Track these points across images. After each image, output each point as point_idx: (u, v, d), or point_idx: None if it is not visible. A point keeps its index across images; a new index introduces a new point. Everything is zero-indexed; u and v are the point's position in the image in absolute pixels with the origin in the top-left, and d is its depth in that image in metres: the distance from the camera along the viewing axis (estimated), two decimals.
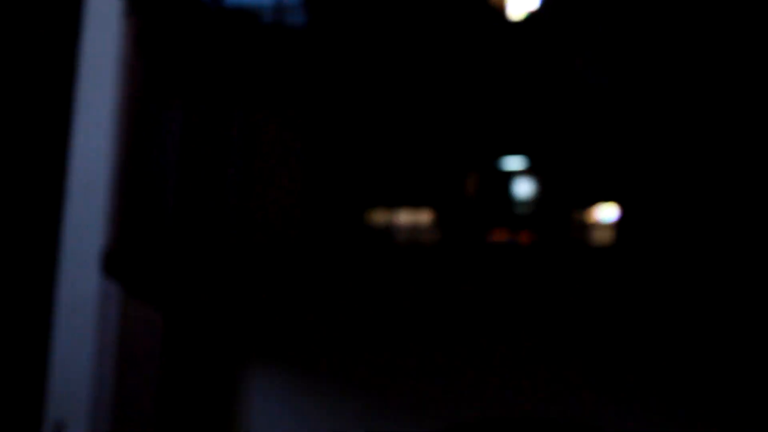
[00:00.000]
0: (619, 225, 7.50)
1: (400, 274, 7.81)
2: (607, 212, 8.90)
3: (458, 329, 8.94)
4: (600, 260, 7.60)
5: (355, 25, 7.87)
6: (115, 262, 8.11)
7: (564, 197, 8.36)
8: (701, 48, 7.53)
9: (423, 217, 8.77)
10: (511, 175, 8.70)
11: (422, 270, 7.76)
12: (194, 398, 8.74)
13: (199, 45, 7.79)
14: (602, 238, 8.34)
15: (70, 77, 6.29)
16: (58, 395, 9.65)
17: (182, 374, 8.68)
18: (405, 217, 8.54)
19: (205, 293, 8.30)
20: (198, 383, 8.85)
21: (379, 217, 8.04)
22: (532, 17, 8.35)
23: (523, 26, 8.26)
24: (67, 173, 6.53)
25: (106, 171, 9.53)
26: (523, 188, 9.09)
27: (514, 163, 9.19)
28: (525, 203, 9.18)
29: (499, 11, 9.01)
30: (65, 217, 7.83)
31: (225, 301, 8.40)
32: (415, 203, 8.37)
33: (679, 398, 8.44)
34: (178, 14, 7.79)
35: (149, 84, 7.96)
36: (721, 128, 7.47)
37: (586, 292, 7.88)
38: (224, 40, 7.72)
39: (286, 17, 7.96)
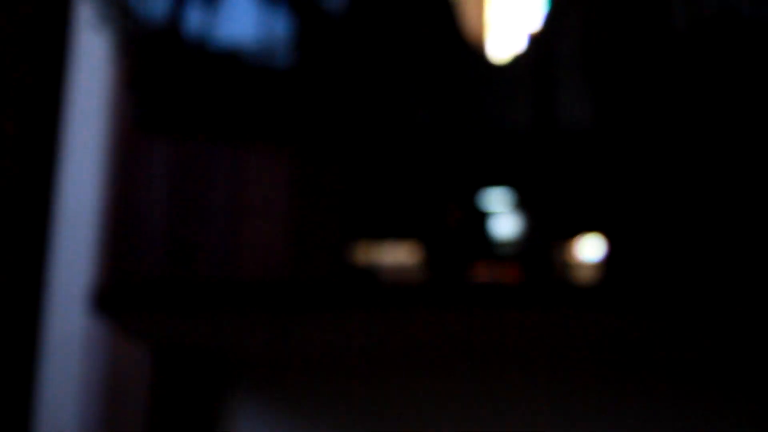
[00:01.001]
0: (607, 261, 7.57)
1: (383, 312, 7.88)
2: (593, 248, 8.98)
3: (442, 363, 9.00)
4: (587, 298, 7.67)
5: (341, 66, 7.98)
6: (102, 299, 8.16)
7: (550, 233, 8.43)
8: (682, 89, 7.64)
9: (406, 254, 8.85)
10: (495, 212, 8.76)
11: (406, 307, 7.83)
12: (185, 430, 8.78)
13: (186, 85, 7.90)
14: (589, 275, 8.41)
15: (57, 116, 6.38)
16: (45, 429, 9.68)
17: (171, 411, 8.72)
18: (388, 255, 8.62)
19: (193, 329, 8.36)
20: (186, 419, 8.89)
21: (363, 253, 8.12)
22: (518, 61, 8.45)
23: (507, 70, 8.36)
24: (54, 210, 6.60)
25: (93, 208, 9.60)
26: (508, 225, 9.16)
27: (499, 199, 9.27)
28: (510, 240, 9.26)
29: (479, 52, 9.11)
30: (52, 254, 7.89)
31: (213, 336, 8.47)
32: (398, 239, 8.44)
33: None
34: (166, 55, 7.91)
35: (137, 123, 8.06)
36: (704, 164, 7.57)
37: (574, 328, 7.94)
38: (211, 79, 7.83)
39: (273, 57, 8.07)
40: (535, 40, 8.24)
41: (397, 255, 8.38)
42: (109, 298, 7.72)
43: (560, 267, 8.37)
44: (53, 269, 6.38)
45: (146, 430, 8.24)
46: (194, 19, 8.16)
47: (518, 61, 8.44)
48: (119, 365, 8.56)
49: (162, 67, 7.83)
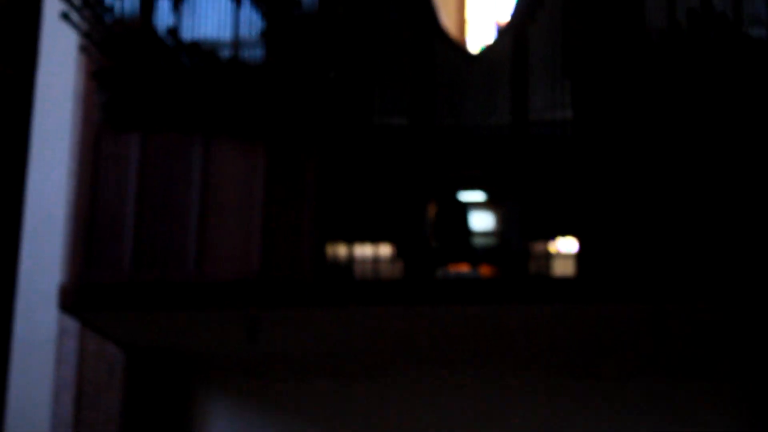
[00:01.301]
0: (579, 257, 7.52)
1: (360, 307, 7.80)
2: (566, 244, 8.93)
3: (418, 361, 8.96)
4: (560, 292, 7.64)
5: (313, 58, 7.88)
6: (72, 299, 8.05)
7: (524, 230, 8.38)
8: (653, 88, 7.61)
9: (383, 250, 8.76)
10: (471, 209, 8.71)
11: (382, 302, 7.76)
12: (154, 427, 8.67)
13: (157, 78, 7.77)
14: (562, 269, 8.37)
15: (25, 113, 6.25)
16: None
17: (143, 410, 8.61)
18: (365, 251, 8.53)
19: (166, 327, 8.26)
20: (158, 418, 8.78)
21: (339, 250, 8.03)
22: (488, 50, 8.40)
23: (480, 59, 8.30)
24: (23, 209, 6.45)
25: (63, 206, 9.46)
26: (483, 222, 9.10)
27: (474, 197, 9.21)
28: (485, 237, 9.19)
29: (460, 46, 9.05)
30: (22, 253, 7.74)
31: (183, 335, 8.36)
32: (375, 237, 8.35)
33: None
34: (136, 49, 7.77)
35: (106, 118, 7.92)
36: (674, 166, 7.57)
37: (548, 321, 7.90)
38: (182, 73, 7.70)
39: (243, 52, 7.95)
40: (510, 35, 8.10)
41: (372, 251, 8.24)
42: (79, 299, 7.57)
43: (536, 261, 8.26)
44: (23, 269, 6.24)
45: (119, 429, 8.12)
46: (165, 15, 8.00)
47: (494, 56, 8.29)
48: (91, 366, 8.40)
49: (132, 62, 7.66)
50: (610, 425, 8.62)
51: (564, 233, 8.34)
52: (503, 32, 8.78)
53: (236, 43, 8.09)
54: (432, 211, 8.79)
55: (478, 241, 9.02)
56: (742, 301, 7.43)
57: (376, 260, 8.82)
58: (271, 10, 7.64)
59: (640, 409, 8.59)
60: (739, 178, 7.62)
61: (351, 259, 8.32)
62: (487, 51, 8.74)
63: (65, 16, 7.61)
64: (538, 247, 8.82)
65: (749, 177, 7.61)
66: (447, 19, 10.35)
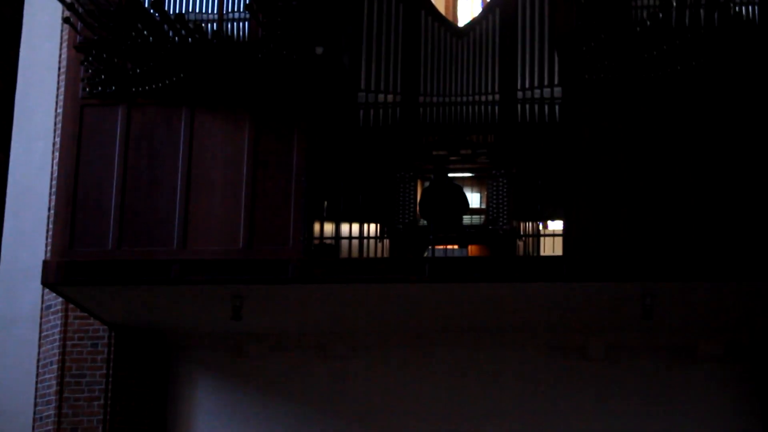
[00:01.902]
0: (565, 237, 7.48)
1: (346, 285, 7.75)
2: (554, 224, 8.90)
3: (405, 339, 8.90)
4: (548, 270, 7.60)
5: (299, 33, 7.80)
6: (56, 273, 7.96)
7: (512, 209, 8.34)
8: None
9: (370, 228, 8.71)
10: (459, 188, 8.66)
11: (368, 281, 7.70)
12: (139, 408, 8.61)
13: (141, 51, 7.67)
14: (550, 248, 8.34)
15: (9, 84, 6.15)
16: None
17: (127, 384, 8.54)
18: (352, 229, 8.47)
19: (150, 304, 8.20)
20: (142, 389, 8.71)
21: (326, 228, 7.97)
22: (473, 23, 8.33)
23: (467, 31, 8.23)
24: (5, 182, 6.36)
25: (46, 181, 9.35)
26: (471, 201, 9.06)
27: (462, 175, 9.16)
28: (473, 215, 9.15)
29: (451, 22, 8.98)
30: (4, 228, 7.63)
31: (169, 311, 8.30)
32: (362, 215, 8.29)
33: None
34: (120, 21, 7.67)
35: (90, 90, 7.83)
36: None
37: (536, 300, 7.88)
38: (168, 46, 7.61)
39: (229, 26, 7.87)
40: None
41: (359, 230, 8.15)
42: (63, 274, 7.48)
43: (524, 240, 8.19)
44: (4, 244, 6.14)
45: (104, 405, 8.05)
46: None
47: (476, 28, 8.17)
48: (74, 343, 8.31)
49: (116, 35, 7.53)
50: (598, 403, 8.60)
51: (552, 212, 8.32)
52: (490, 7, 8.74)
53: (221, 17, 8.01)
54: (419, 189, 8.74)
55: (466, 220, 8.98)
56: (729, 279, 7.43)
57: (362, 238, 8.78)
58: None
59: (629, 387, 8.57)
60: (727, 160, 7.61)
61: (337, 237, 8.27)
62: (474, 26, 8.69)
63: None
64: (525, 226, 8.79)
65: (737, 159, 7.61)
66: None
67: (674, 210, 7.60)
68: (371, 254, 8.58)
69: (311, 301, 8.14)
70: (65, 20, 7.98)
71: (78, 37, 8.06)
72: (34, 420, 8.80)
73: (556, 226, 8.96)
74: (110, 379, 8.81)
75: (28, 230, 9.29)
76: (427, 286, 7.80)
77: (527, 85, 8.58)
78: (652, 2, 7.77)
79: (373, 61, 8.68)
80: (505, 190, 8.51)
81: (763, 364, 8.44)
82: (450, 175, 8.58)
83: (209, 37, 7.77)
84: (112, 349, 8.82)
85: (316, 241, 7.98)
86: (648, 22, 7.42)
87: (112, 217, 8.02)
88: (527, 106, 8.57)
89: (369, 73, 8.72)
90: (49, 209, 8.85)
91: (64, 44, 8.84)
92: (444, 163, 8.41)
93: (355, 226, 8.50)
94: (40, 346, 9.08)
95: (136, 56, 7.89)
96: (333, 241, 8.17)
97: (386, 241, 8.68)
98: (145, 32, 7.70)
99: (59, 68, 8.98)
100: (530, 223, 8.55)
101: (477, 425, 8.79)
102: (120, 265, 7.88)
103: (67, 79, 8.25)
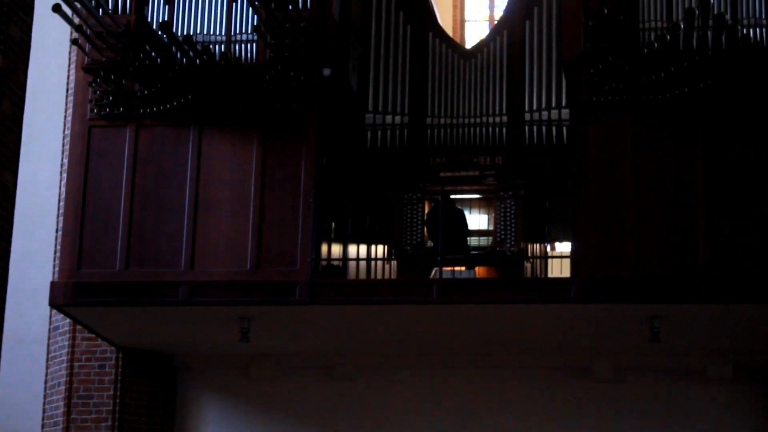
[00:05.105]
0: (573, 258, 7.46)
1: (353, 307, 7.74)
2: (562, 246, 8.88)
3: (412, 360, 8.89)
4: (555, 293, 7.58)
5: (308, 55, 7.81)
6: (64, 294, 7.96)
7: (519, 231, 8.33)
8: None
9: (377, 250, 8.70)
10: (466, 210, 8.66)
11: (376, 302, 7.69)
12: (146, 429, 8.60)
13: (150, 72, 7.69)
14: (558, 270, 8.33)
15: (18, 105, 6.17)
16: (6, 430, 9.44)
17: (134, 405, 8.54)
18: (359, 250, 8.47)
19: (158, 325, 8.19)
20: (149, 410, 8.70)
21: (333, 250, 7.96)
22: (481, 45, 8.35)
23: (475, 53, 8.25)
24: (14, 204, 6.36)
25: (54, 202, 9.35)
26: (479, 222, 9.05)
27: (470, 197, 9.16)
28: (481, 237, 9.14)
29: (458, 44, 9.01)
30: (12, 249, 7.63)
31: (177, 332, 8.29)
32: (369, 237, 8.29)
33: None
34: (128, 43, 7.70)
35: (98, 111, 7.84)
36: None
37: (543, 322, 7.86)
38: (176, 68, 7.62)
39: (237, 48, 7.89)
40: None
41: (366, 251, 8.13)
42: (70, 296, 7.47)
43: (531, 262, 8.16)
44: (13, 265, 6.13)
45: (112, 426, 8.03)
46: (158, 9, 7.86)
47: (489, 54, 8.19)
48: (82, 363, 8.30)
49: (124, 56, 7.54)
50: (606, 425, 8.57)
51: (560, 234, 8.31)
52: (497, 28, 8.76)
53: (229, 39, 8.02)
54: (429, 213, 8.73)
55: (473, 242, 8.98)
56: (738, 301, 7.41)
57: (370, 260, 8.77)
58: (265, 6, 7.57)
59: (637, 409, 8.54)
60: (735, 181, 7.58)
61: (345, 259, 8.26)
62: (482, 47, 8.72)
63: (57, 9, 7.53)
64: (533, 247, 8.79)
65: (745, 180, 7.56)
66: (442, 17, 10.33)
67: (682, 232, 7.60)
68: (379, 276, 8.57)
69: (319, 323, 8.13)
70: (73, 42, 8.01)
71: (86, 58, 8.08)
72: None
73: (563, 247, 8.94)
74: (118, 401, 8.81)
75: (36, 251, 9.31)
76: (435, 307, 7.79)
77: (535, 107, 8.63)
78: (659, 24, 7.79)
79: (380, 82, 8.73)
80: (512, 211, 8.51)
81: None
82: (458, 196, 8.59)
83: (217, 58, 7.79)
84: (120, 370, 8.82)
85: (324, 263, 7.98)
86: (656, 44, 7.43)
87: (119, 238, 8.02)
88: (535, 128, 8.62)
89: (377, 95, 8.76)
90: (57, 230, 8.86)
91: (73, 66, 8.87)
92: (448, 185, 8.41)
93: (363, 248, 8.50)
94: (47, 367, 9.07)
95: (144, 78, 7.91)
96: (341, 263, 8.17)
97: (394, 263, 8.68)
98: (153, 54, 7.72)
99: (67, 89, 9.00)
100: (538, 245, 8.55)
101: None
102: (127, 286, 7.88)
103: (75, 101, 8.28)
